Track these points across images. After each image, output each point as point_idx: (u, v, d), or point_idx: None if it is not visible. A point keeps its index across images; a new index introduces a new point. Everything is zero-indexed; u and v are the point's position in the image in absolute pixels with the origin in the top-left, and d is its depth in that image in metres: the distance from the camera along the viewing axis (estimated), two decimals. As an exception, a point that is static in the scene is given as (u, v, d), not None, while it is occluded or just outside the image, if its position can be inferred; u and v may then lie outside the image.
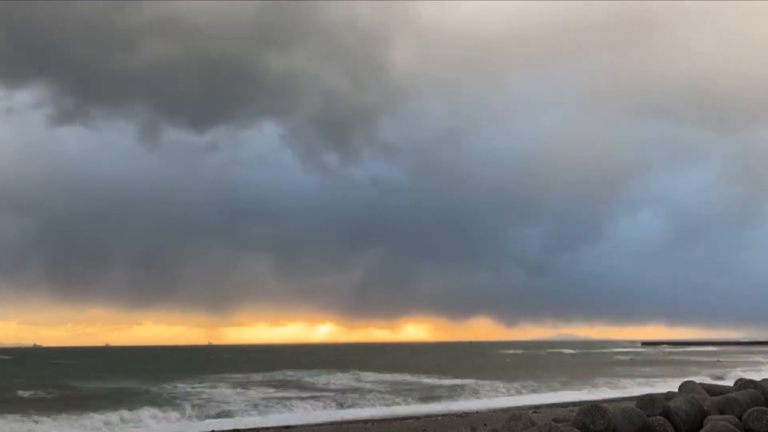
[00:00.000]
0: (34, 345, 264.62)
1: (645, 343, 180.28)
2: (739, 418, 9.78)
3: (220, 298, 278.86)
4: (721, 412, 10.28)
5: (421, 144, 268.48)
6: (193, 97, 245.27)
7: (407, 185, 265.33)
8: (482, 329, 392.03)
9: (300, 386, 36.65)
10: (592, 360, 79.45)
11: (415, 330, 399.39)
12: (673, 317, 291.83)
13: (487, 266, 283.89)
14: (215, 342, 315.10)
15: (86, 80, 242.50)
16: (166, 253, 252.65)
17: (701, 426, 9.64)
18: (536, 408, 22.90)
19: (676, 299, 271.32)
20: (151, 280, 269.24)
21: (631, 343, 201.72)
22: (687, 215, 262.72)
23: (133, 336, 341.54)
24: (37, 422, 21.39)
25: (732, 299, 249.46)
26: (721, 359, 71.95)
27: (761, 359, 68.11)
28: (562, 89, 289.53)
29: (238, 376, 45.65)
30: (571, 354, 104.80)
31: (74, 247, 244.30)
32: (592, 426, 8.50)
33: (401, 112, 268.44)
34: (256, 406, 25.66)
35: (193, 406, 25.23)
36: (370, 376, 45.86)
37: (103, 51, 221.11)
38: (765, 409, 9.78)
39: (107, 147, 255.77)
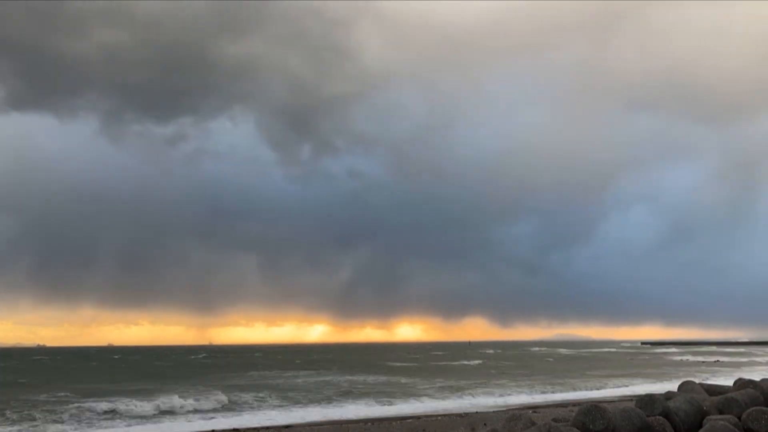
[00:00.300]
0: (38, 345, 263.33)
1: (645, 343, 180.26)
2: (739, 418, 9.79)
3: (215, 298, 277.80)
4: (721, 412, 10.29)
5: (400, 138, 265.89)
6: (151, 87, 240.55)
7: (389, 181, 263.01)
8: (477, 329, 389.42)
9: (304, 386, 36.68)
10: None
11: (409, 330, 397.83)
12: (670, 317, 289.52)
13: (479, 265, 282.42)
14: (215, 342, 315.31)
15: (34, 66, 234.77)
16: (157, 253, 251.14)
17: (700, 426, 9.65)
18: (536, 408, 22.92)
19: (671, 299, 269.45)
20: (144, 281, 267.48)
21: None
22: (680, 213, 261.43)
23: (131, 336, 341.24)
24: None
25: (728, 299, 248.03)
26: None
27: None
28: (545, 84, 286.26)
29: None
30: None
31: (56, 246, 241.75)
32: (591, 426, 8.51)
33: (377, 103, 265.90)
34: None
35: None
36: (370, 376, 45.88)
37: (51, 36, 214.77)
38: (764, 409, 9.79)
39: (64, 137, 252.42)
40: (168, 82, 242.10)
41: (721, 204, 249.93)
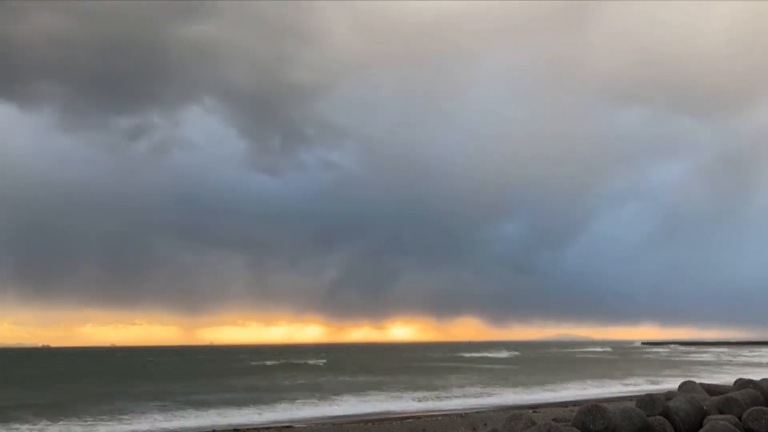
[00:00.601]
0: (44, 345, 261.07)
1: (645, 343, 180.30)
2: (739, 418, 9.79)
3: (210, 299, 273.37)
4: (721, 412, 10.29)
5: (376, 132, 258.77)
6: (108, 76, 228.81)
7: (367, 177, 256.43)
8: (472, 329, 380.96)
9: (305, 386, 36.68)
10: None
11: (403, 330, 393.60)
12: (666, 317, 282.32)
13: (471, 264, 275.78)
14: (216, 342, 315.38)
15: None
16: (144, 252, 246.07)
17: (701, 426, 9.65)
18: (536, 407, 22.90)
19: (667, 299, 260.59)
20: (135, 280, 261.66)
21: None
22: (672, 210, 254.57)
23: (130, 336, 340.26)
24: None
25: (725, 299, 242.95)
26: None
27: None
28: (527, 78, 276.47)
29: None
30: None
31: (41, 245, 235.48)
32: (591, 426, 8.50)
33: (350, 95, 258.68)
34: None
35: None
36: (368, 376, 45.87)
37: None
38: (765, 408, 9.80)
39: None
40: (127, 71, 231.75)
41: (715, 199, 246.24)
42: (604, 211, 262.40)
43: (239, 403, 26.67)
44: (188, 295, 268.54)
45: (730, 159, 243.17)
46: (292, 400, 27.80)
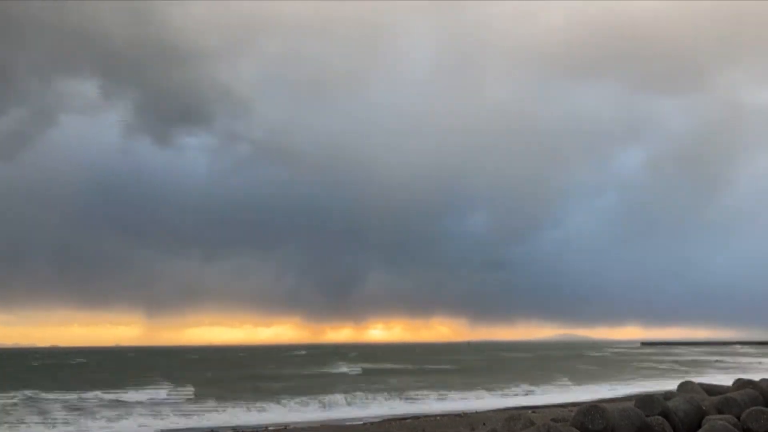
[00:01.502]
0: (52, 346, 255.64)
1: (645, 343, 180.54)
2: (738, 418, 9.80)
3: (195, 300, 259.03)
4: (720, 412, 10.29)
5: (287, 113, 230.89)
6: None
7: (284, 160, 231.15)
8: (454, 329, 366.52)
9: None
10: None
11: (382, 331, 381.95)
12: (651, 317, 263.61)
13: (443, 262, 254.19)
14: (214, 343, 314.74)
15: None
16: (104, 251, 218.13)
17: (700, 426, 9.65)
18: (535, 408, 22.91)
19: (650, 298, 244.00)
20: (109, 280, 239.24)
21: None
22: (645, 202, 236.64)
23: (124, 336, 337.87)
24: None
25: (708, 297, 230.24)
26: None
27: None
28: (469, 49, 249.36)
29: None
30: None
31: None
32: (590, 426, 8.50)
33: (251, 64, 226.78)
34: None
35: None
36: (365, 375, 45.88)
37: None
38: (764, 409, 9.80)
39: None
40: None
41: (691, 191, 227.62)
42: (574, 204, 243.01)
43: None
44: (172, 298, 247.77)
45: (704, 137, 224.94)
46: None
